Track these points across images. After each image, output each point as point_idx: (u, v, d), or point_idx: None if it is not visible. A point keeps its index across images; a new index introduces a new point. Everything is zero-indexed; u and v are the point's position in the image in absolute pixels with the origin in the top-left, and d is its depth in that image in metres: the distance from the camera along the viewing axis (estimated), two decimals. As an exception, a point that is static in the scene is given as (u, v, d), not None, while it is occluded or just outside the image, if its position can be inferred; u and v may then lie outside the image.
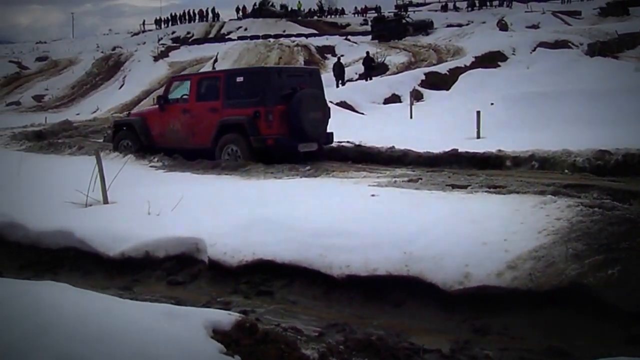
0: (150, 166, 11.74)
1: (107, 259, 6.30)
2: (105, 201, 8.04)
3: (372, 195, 6.97)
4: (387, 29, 46.12)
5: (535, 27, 43.98)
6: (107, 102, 39.45)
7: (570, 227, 5.20)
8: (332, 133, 12.40)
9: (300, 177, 9.59)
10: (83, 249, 6.55)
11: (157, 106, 13.20)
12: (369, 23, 58.86)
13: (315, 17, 66.62)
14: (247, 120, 11.38)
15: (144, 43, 60.88)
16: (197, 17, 67.57)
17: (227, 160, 11.49)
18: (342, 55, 36.87)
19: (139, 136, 12.97)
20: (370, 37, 48.43)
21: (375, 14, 63.53)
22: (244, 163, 11.05)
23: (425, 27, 48.49)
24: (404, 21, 48.08)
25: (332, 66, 32.17)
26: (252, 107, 11.42)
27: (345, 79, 29.90)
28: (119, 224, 6.80)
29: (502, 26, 43.32)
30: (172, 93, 12.98)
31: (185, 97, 12.63)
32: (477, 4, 58.97)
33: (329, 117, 12.39)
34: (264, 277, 5.72)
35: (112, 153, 12.52)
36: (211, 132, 11.78)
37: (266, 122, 11.34)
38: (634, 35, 33.35)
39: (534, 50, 32.25)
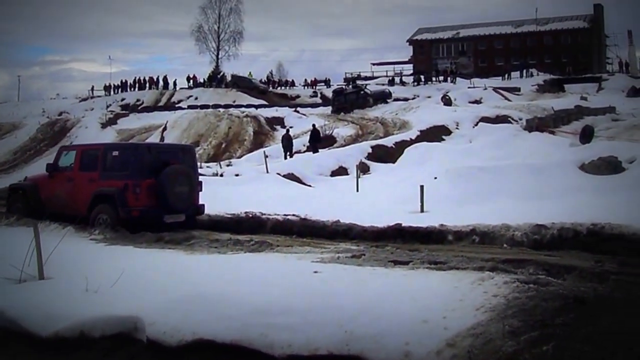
0: (91, 239, 11.49)
1: (40, 340, 6.08)
2: (41, 276, 7.79)
3: (315, 272, 6.98)
4: (348, 101, 47.09)
5: (477, 102, 45.55)
6: (51, 169, 38.60)
7: (507, 303, 5.32)
8: (203, 205, 13.17)
9: (245, 252, 9.51)
10: (13, 329, 6.30)
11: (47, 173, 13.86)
12: (319, 95, 60.30)
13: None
14: (116, 192, 12.20)
15: (92, 109, 60.19)
16: (147, 84, 67.63)
17: (100, 227, 12.14)
18: (291, 127, 37.28)
19: (29, 200, 13.75)
20: (323, 108, 49.48)
21: (325, 86, 65.10)
22: (189, 236, 11.19)
23: (384, 97, 49.84)
24: (362, 92, 49.15)
25: (280, 138, 32.50)
26: (122, 180, 12.24)
27: (294, 150, 30.17)
28: (54, 302, 6.60)
29: (447, 101, 44.68)
30: (61, 161, 13.70)
31: (71, 166, 13.41)
32: (423, 79, 60.93)
33: (200, 190, 13.25)
34: (204, 356, 5.60)
35: (52, 225, 12.25)
36: (88, 200, 12.57)
37: (134, 194, 12.17)
38: (569, 112, 34.97)
39: (476, 124, 33.21)
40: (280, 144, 30.58)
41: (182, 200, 12.50)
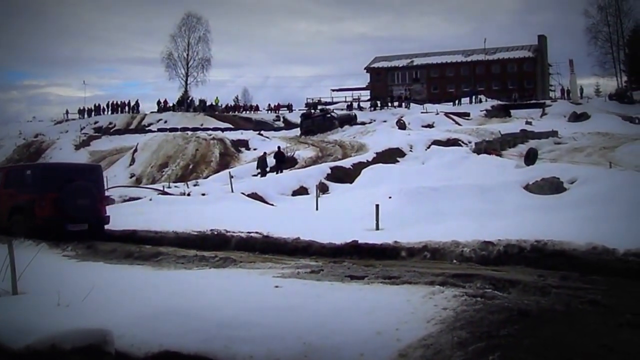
0: (64, 255, 11.34)
1: (11, 353, 5.92)
2: (15, 292, 7.62)
3: (276, 287, 6.97)
4: (315, 124, 47.18)
5: (430, 126, 45.99)
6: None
7: (455, 316, 5.38)
8: (108, 216, 14.21)
9: (210, 268, 9.47)
10: (-14, 342, 6.13)
11: None
12: (282, 119, 60.36)
13: (232, 112, 67.53)
14: (26, 204, 13.38)
15: (67, 131, 59.68)
16: (119, 108, 67.11)
17: (18, 234, 12.62)
18: (255, 149, 37.26)
19: None
20: (286, 131, 49.55)
21: (287, 111, 65.26)
22: (157, 252, 11.15)
23: (349, 121, 50.14)
24: (329, 115, 49.31)
25: (250, 158, 32.40)
26: (31, 194, 13.41)
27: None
28: (26, 316, 6.43)
29: (401, 125, 45.09)
30: None
31: None
32: (379, 105, 61.43)
33: (105, 203, 14.44)
34: (170, 368, 5.54)
35: (25, 242, 12.12)
36: (8, 212, 13.71)
37: (40, 206, 13.27)
38: (515, 135, 35.69)
39: (428, 147, 33.45)
40: (256, 165, 30.57)
41: (83, 211, 13.46)
